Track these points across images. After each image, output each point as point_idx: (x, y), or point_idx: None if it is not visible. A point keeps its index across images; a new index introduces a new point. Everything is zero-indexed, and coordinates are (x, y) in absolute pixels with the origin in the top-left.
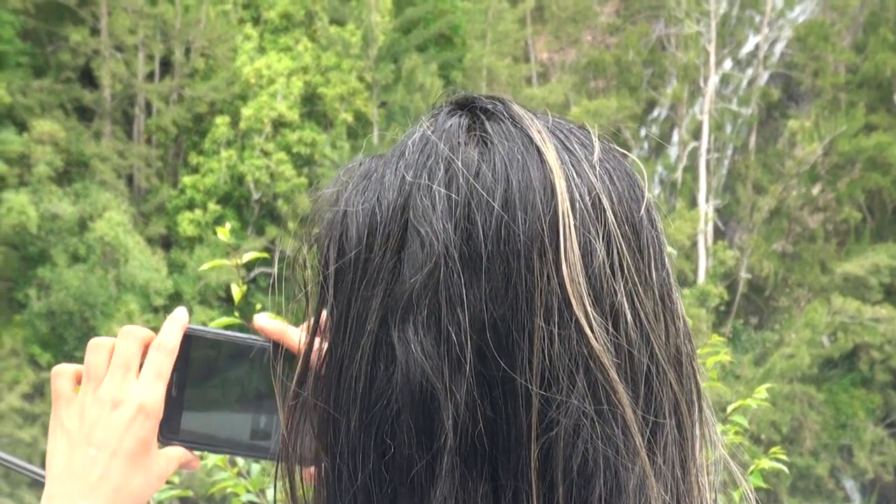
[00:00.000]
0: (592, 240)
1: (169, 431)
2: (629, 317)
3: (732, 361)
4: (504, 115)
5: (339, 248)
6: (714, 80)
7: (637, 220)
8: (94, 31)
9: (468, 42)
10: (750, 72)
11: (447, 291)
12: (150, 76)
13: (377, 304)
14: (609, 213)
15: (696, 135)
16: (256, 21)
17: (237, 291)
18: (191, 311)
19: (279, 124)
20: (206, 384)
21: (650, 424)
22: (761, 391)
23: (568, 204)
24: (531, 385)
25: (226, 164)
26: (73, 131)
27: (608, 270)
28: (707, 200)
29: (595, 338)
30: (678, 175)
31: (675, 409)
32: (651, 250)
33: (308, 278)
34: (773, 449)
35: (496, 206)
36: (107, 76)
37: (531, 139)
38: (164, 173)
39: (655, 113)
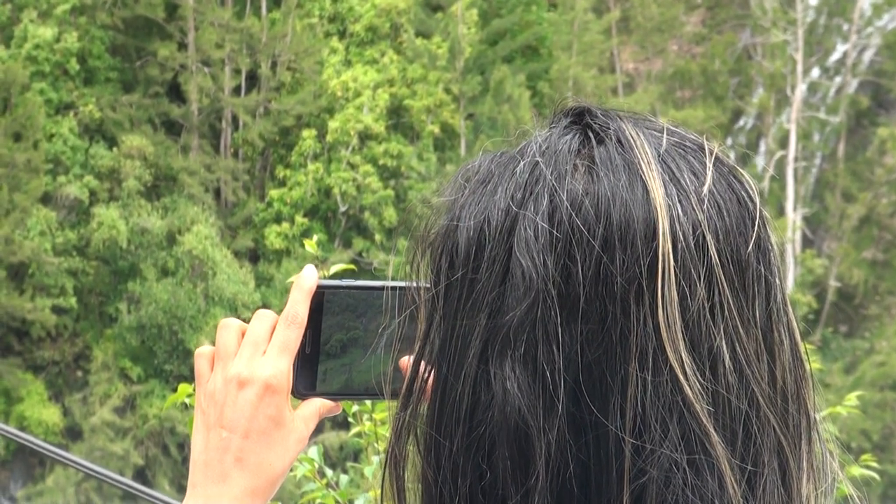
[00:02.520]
0: (693, 282)
1: (305, 388)
2: (728, 361)
3: (822, 369)
4: (614, 141)
5: (450, 261)
6: (801, 88)
7: (743, 258)
8: (182, 46)
9: (554, 53)
10: (838, 80)
11: (544, 329)
12: (236, 90)
13: (479, 331)
14: (713, 252)
15: (783, 144)
16: (342, 34)
17: None
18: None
19: (365, 137)
20: (340, 335)
21: (747, 473)
22: (851, 398)
23: (669, 245)
24: (622, 432)
25: (312, 176)
26: (162, 146)
27: (707, 314)
28: (795, 209)
29: (689, 386)
30: (765, 184)
31: (778, 451)
32: (756, 288)
33: (420, 287)
34: (864, 456)
35: (596, 246)
36: (194, 90)
37: (638, 171)
38: (250, 187)
39: (742, 122)
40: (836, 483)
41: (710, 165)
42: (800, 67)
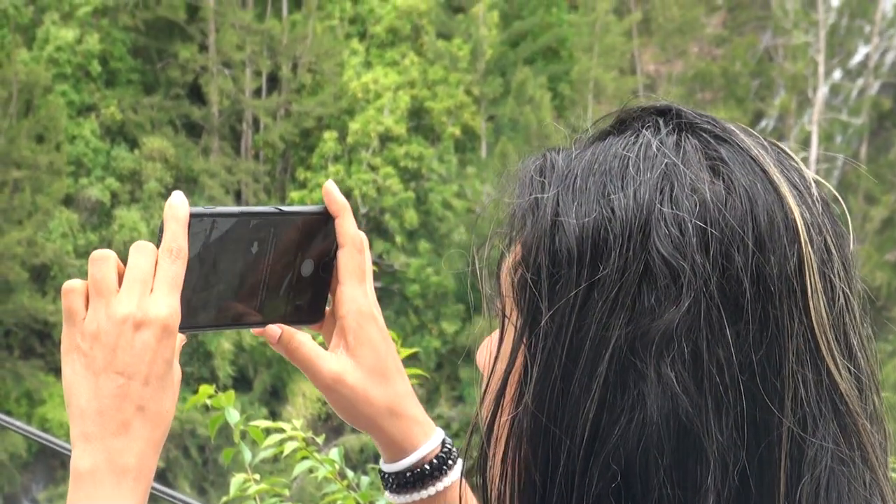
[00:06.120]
0: (830, 281)
1: None
2: (859, 355)
3: None
4: (731, 140)
5: (553, 258)
6: (823, 90)
7: (848, 255)
8: (203, 48)
9: (575, 55)
10: (860, 82)
11: (708, 328)
12: (257, 92)
13: (619, 332)
14: (834, 250)
15: (805, 145)
16: (363, 36)
17: None
18: None
19: (386, 139)
20: (208, 264)
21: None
22: None
23: (809, 247)
24: (795, 428)
25: (333, 178)
26: (182, 147)
27: (843, 310)
28: None
29: (842, 380)
30: None
31: (886, 440)
32: (855, 286)
33: (511, 285)
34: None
35: (750, 244)
36: (215, 92)
37: (766, 172)
38: (271, 189)
39: (763, 124)
40: None
41: (803, 167)
42: (821, 69)
